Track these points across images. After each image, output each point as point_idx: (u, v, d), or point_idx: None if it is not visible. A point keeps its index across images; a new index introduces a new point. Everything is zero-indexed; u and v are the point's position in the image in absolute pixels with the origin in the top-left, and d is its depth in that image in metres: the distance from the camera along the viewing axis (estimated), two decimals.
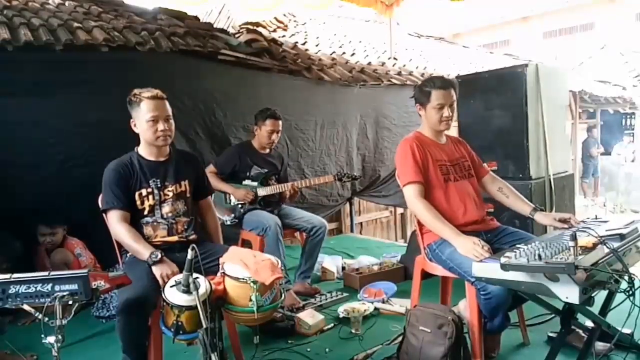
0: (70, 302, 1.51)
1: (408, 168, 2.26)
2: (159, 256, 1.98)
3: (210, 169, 3.31)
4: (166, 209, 2.21)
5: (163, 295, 1.75)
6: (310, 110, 4.90)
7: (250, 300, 1.77)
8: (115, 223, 2.12)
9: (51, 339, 1.48)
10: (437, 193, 2.29)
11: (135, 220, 2.17)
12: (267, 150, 3.44)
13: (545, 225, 2.69)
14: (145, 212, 2.18)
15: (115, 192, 2.13)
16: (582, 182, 10.24)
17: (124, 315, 1.86)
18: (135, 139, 2.24)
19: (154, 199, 2.19)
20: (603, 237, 1.77)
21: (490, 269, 1.77)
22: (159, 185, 2.20)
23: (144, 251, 2.02)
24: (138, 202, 2.17)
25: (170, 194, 2.23)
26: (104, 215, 2.20)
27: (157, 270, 1.96)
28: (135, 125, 2.18)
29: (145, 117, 2.12)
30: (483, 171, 2.51)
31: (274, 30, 6.81)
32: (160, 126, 2.13)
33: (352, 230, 5.89)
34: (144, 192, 2.18)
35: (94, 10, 4.26)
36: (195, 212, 2.34)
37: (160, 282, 1.92)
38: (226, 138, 4.24)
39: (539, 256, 1.63)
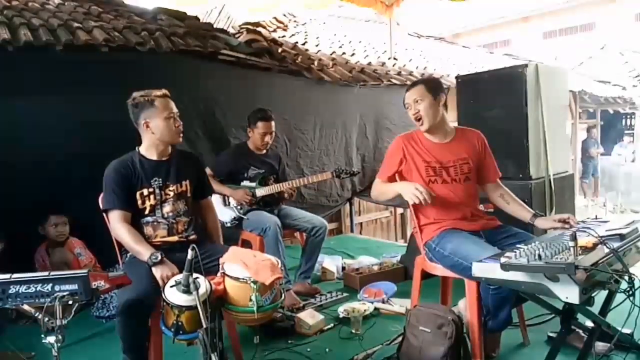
0: (70, 302, 1.51)
1: (384, 164, 2.45)
2: (159, 257, 1.98)
3: (207, 173, 3.30)
4: (167, 208, 2.21)
5: (163, 295, 1.75)
6: (310, 110, 4.89)
7: (250, 300, 1.77)
8: (116, 223, 2.12)
9: (51, 339, 1.48)
10: None
11: (135, 220, 2.17)
12: (263, 151, 3.44)
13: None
14: (146, 212, 2.19)
15: (116, 192, 2.13)
16: (582, 182, 10.23)
17: (124, 316, 1.86)
18: (136, 139, 2.24)
19: (155, 198, 2.19)
20: (603, 237, 1.77)
21: (490, 269, 1.77)
22: (161, 185, 2.20)
23: (144, 252, 2.02)
24: (139, 202, 2.17)
25: (172, 193, 2.23)
26: (104, 215, 2.20)
27: (157, 272, 1.96)
28: (148, 126, 2.15)
29: (163, 114, 2.13)
30: (492, 177, 2.48)
31: (274, 30, 6.81)
32: (177, 122, 2.18)
33: (352, 231, 5.89)
34: (145, 191, 2.18)
35: (94, 11, 4.26)
36: (195, 212, 2.34)
37: (160, 283, 1.92)
38: (226, 138, 4.23)
39: (539, 256, 1.63)
